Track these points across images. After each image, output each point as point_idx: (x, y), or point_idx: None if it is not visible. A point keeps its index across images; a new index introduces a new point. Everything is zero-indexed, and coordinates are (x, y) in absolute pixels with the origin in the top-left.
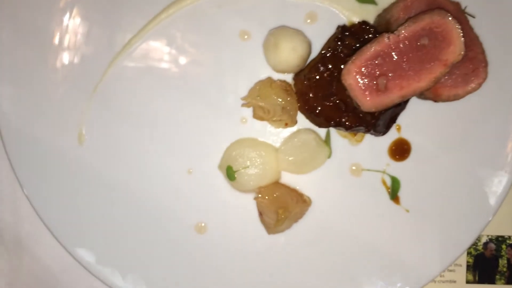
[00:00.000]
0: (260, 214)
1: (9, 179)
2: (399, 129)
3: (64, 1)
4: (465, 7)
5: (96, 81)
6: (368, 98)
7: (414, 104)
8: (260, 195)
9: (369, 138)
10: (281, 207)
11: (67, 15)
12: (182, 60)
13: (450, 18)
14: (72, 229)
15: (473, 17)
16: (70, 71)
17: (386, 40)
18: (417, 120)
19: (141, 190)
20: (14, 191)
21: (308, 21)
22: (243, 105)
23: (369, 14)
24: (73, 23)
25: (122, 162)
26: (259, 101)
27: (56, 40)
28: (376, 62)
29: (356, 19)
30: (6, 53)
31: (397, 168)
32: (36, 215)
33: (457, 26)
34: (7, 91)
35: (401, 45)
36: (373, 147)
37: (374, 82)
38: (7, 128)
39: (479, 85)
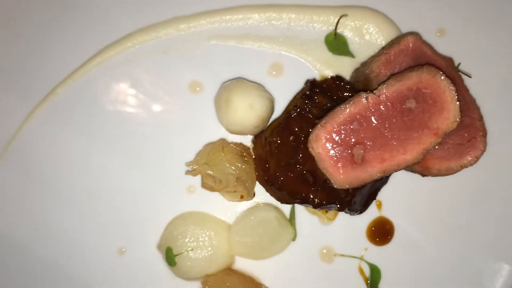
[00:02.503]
0: None
1: None
2: (380, 206)
3: None
4: (459, 64)
5: (8, 138)
6: (341, 172)
7: (399, 176)
8: (206, 286)
9: (343, 216)
10: None
11: None
12: (118, 114)
13: (442, 77)
14: None
15: (469, 76)
16: None
17: (364, 100)
18: (402, 196)
19: (59, 272)
20: None
21: (274, 73)
22: (187, 172)
23: (345, 67)
24: None
25: (35, 235)
26: (207, 169)
27: None
28: (352, 127)
29: (329, 73)
30: None
31: (378, 254)
32: None
33: (451, 87)
34: None
35: (383, 108)
36: (349, 227)
37: (349, 152)
38: None
39: (477, 158)
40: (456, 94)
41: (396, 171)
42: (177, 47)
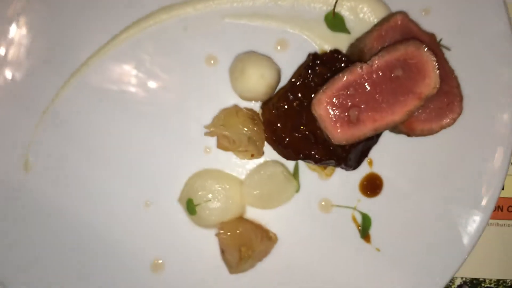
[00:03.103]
0: (222, 251)
1: None
2: (370, 163)
3: (12, 11)
4: (441, 39)
5: (47, 103)
6: (339, 130)
7: (387, 138)
8: (222, 231)
9: (339, 172)
10: (244, 244)
11: (13, 26)
12: (143, 83)
13: (425, 50)
14: (14, 266)
15: (449, 49)
16: (17, 90)
17: (358, 70)
18: (389, 155)
19: (92, 223)
20: None
21: (279, 47)
22: (206, 133)
23: (342, 42)
24: (19, 34)
25: (72, 192)
26: (223, 130)
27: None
28: (348, 92)
29: (328, 48)
30: None
31: (369, 204)
32: None
33: (433, 58)
34: None
35: (374, 76)
36: (344, 182)
37: (346, 114)
38: None
39: (454, 120)
40: (437, 64)
41: (385, 130)
42: (195, 25)
